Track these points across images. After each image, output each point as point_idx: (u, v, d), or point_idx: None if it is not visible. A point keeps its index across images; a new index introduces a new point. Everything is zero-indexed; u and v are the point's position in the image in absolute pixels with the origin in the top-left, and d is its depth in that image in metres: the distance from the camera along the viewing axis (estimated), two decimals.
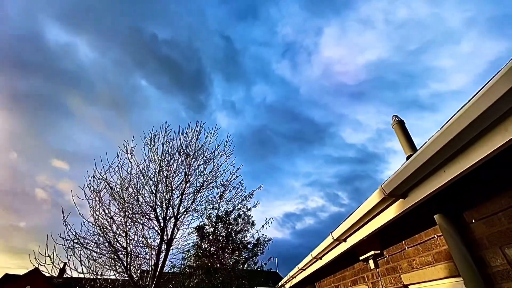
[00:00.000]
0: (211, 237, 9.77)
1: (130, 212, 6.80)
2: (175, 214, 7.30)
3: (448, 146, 1.59)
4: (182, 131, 8.28)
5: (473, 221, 2.03)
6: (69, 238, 5.94)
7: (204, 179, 8.17)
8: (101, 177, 6.80)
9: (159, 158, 7.64)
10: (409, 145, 3.84)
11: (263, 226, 10.49)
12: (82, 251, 5.94)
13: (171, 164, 7.71)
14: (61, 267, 5.72)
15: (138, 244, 6.78)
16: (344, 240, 3.66)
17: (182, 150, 8.00)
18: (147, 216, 6.98)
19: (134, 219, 6.78)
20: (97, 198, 6.54)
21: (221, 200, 9.36)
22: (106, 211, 6.50)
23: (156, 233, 7.00)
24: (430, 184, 1.93)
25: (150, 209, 7.04)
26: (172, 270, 9.64)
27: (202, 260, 9.34)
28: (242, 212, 10.39)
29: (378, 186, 2.42)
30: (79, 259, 5.83)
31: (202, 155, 8.27)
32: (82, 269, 5.83)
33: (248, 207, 10.27)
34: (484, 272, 1.92)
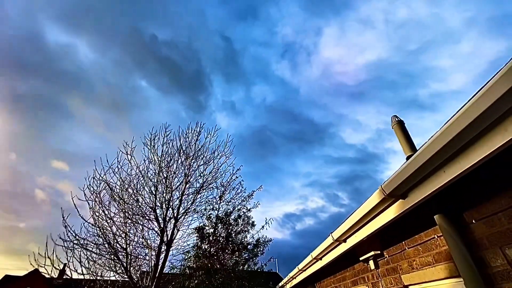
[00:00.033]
0: (211, 238, 9.76)
1: (130, 213, 6.80)
2: (175, 215, 7.29)
3: (448, 146, 1.59)
4: (182, 131, 8.27)
5: (473, 221, 2.03)
6: (69, 239, 5.93)
7: (204, 179, 8.17)
8: (101, 178, 6.80)
9: (159, 159, 7.64)
10: (408, 145, 3.84)
11: (263, 226, 10.49)
12: (82, 252, 5.93)
13: (171, 165, 7.71)
14: (61, 268, 5.71)
15: (138, 245, 6.78)
16: (344, 241, 3.65)
17: (182, 151, 7.99)
18: (147, 217, 6.97)
19: (134, 220, 6.77)
20: (97, 199, 6.53)
21: (221, 201, 9.34)
22: (106, 212, 6.49)
23: (156, 234, 6.99)
24: (430, 185, 1.92)
25: (150, 210, 7.04)
26: (172, 271, 9.63)
27: (202, 261, 9.33)
28: (242, 213, 10.38)
29: (378, 187, 2.41)
30: (79, 260, 5.82)
31: (202, 156, 8.26)
32: (82, 270, 5.82)
33: (248, 208, 10.26)
34: (484, 273, 1.91)
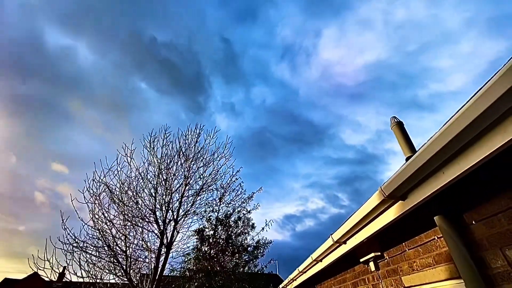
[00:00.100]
0: (211, 240, 9.74)
1: (129, 215, 6.78)
2: (175, 217, 7.28)
3: (447, 147, 1.58)
4: (181, 133, 8.27)
5: (473, 222, 2.02)
6: (68, 242, 5.92)
7: (204, 181, 8.16)
8: (100, 180, 6.79)
9: (159, 160, 7.64)
10: (408, 146, 3.84)
11: (263, 228, 10.46)
12: (81, 255, 5.92)
13: (170, 166, 7.71)
14: (60, 271, 5.69)
15: (137, 247, 6.76)
16: (344, 242, 3.64)
17: (181, 153, 7.99)
18: (147, 219, 6.96)
19: (133, 222, 6.76)
20: (96, 202, 6.52)
21: (221, 203, 9.32)
22: (106, 215, 6.48)
23: (156, 236, 6.97)
24: (429, 186, 1.92)
25: (150, 212, 7.02)
26: (172, 273, 9.61)
27: (202, 263, 9.30)
28: (242, 215, 10.37)
29: (377, 188, 2.41)
30: (78, 263, 5.81)
31: (202, 158, 8.26)
32: (81, 273, 5.80)
33: (248, 210, 10.25)
34: (484, 274, 1.91)
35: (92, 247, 6.14)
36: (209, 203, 8.86)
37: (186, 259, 9.78)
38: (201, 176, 8.14)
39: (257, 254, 10.54)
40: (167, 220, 7.09)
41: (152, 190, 7.22)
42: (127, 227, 6.68)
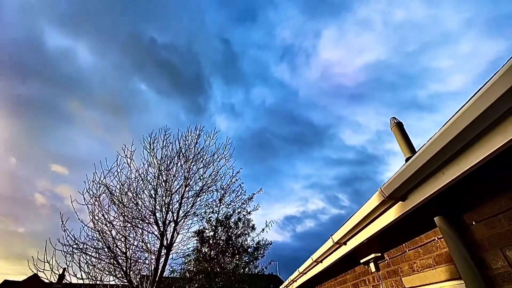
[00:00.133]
0: (211, 241, 9.73)
1: (129, 216, 6.78)
2: (175, 218, 7.28)
3: (447, 148, 1.58)
4: (181, 134, 8.29)
5: (473, 223, 2.02)
6: (68, 244, 5.92)
7: (204, 182, 8.17)
8: (100, 182, 6.80)
9: (158, 162, 7.65)
10: (408, 147, 3.84)
11: (263, 229, 10.47)
12: (81, 257, 5.92)
13: (170, 168, 7.71)
14: (60, 273, 5.69)
15: (137, 249, 6.76)
16: (345, 243, 3.64)
17: (181, 154, 8.00)
18: (147, 221, 6.96)
19: (133, 223, 6.76)
20: (96, 203, 6.53)
21: (221, 204, 9.34)
22: (106, 216, 6.49)
23: (156, 238, 6.98)
24: (429, 186, 1.92)
25: (150, 213, 7.03)
26: (172, 275, 9.61)
27: (202, 264, 9.29)
28: (242, 216, 10.38)
29: (377, 188, 2.41)
30: (78, 264, 5.81)
31: (202, 159, 8.28)
32: (81, 275, 5.80)
33: (248, 211, 10.26)
34: (485, 274, 1.90)
35: (92, 249, 6.14)
36: (209, 204, 8.88)
37: (186, 261, 9.80)
38: (201, 177, 8.16)
39: (257, 255, 10.55)
40: (167, 222, 7.09)
41: (152, 192, 7.22)
42: (127, 229, 6.68)
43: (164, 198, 7.31)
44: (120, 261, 6.15)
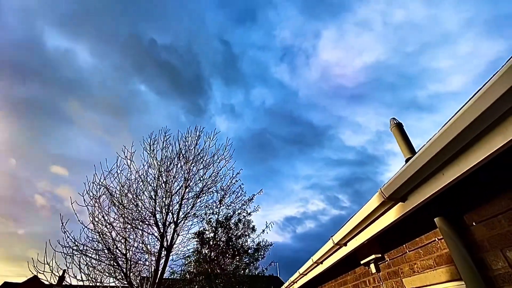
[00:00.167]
0: (211, 243, 9.72)
1: (129, 218, 6.78)
2: (175, 219, 7.27)
3: (446, 149, 1.58)
4: (181, 136, 8.29)
5: (474, 223, 2.01)
6: (68, 245, 5.92)
7: (204, 183, 8.17)
8: (100, 183, 6.79)
9: (158, 163, 7.65)
10: (407, 147, 3.83)
11: (263, 230, 10.47)
12: (81, 258, 5.92)
13: (170, 169, 7.71)
14: (60, 274, 5.68)
15: (137, 250, 6.76)
16: (345, 244, 3.63)
17: (181, 155, 8.00)
18: (147, 222, 6.96)
19: (133, 225, 6.75)
20: (96, 204, 6.52)
21: (221, 205, 9.33)
22: (106, 217, 6.49)
23: (156, 239, 6.97)
24: (429, 187, 1.91)
25: (150, 214, 7.02)
26: (172, 276, 9.59)
27: (203, 265, 9.28)
28: (242, 217, 10.37)
29: (378, 189, 2.40)
30: (78, 266, 5.81)
31: (202, 160, 8.27)
32: (81, 277, 5.80)
33: (248, 212, 10.25)
34: (485, 275, 1.90)
35: (92, 250, 6.14)
36: (209, 205, 8.89)
37: (186, 262, 9.79)
38: (201, 178, 8.15)
39: (258, 257, 10.54)
40: (167, 223, 7.08)
41: (152, 193, 7.22)
42: (127, 230, 6.67)
43: (164, 199, 7.31)
44: (120, 262, 6.14)
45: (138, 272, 6.65)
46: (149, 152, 7.72)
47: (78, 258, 5.88)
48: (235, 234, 10.16)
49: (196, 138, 8.40)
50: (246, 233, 10.50)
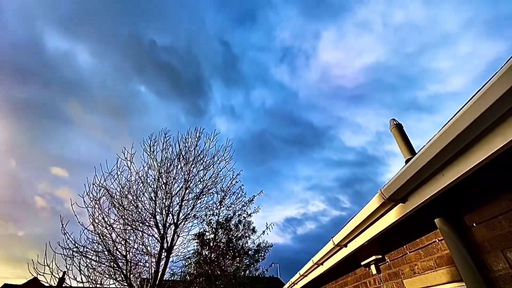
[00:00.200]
0: (211, 244, 9.70)
1: (129, 219, 6.77)
2: (175, 221, 7.26)
3: (446, 150, 1.58)
4: (181, 137, 8.29)
5: (474, 224, 2.01)
6: (68, 247, 5.91)
7: (204, 185, 8.17)
8: (100, 185, 6.79)
9: (159, 164, 7.64)
10: (407, 148, 3.83)
11: (263, 231, 10.45)
12: (81, 260, 5.91)
13: (170, 170, 7.71)
14: (60, 276, 5.67)
15: (138, 252, 6.75)
16: (345, 246, 3.62)
17: (181, 156, 8.00)
18: (147, 223, 6.95)
19: (133, 226, 6.75)
20: (96, 206, 6.52)
21: (221, 206, 9.32)
22: (106, 219, 6.49)
23: (156, 241, 6.96)
24: (429, 188, 1.91)
25: (150, 216, 7.02)
26: (172, 278, 9.58)
27: (203, 267, 9.26)
28: (242, 218, 10.35)
29: (378, 190, 2.40)
30: (78, 268, 5.80)
31: (202, 161, 8.27)
32: (81, 278, 5.80)
33: (249, 213, 10.22)
34: (486, 276, 1.89)
35: (92, 252, 6.13)
36: (209, 206, 8.87)
37: (186, 263, 9.77)
38: (201, 180, 8.15)
39: (258, 258, 10.53)
40: (167, 224, 7.08)
41: (152, 194, 7.22)
42: (127, 232, 6.67)
43: (164, 200, 7.31)
44: (120, 264, 6.14)
45: (138, 274, 6.64)
46: (149, 154, 7.73)
47: (78, 259, 5.88)
48: (235, 235, 10.14)
49: (196, 139, 8.41)
50: (246, 234, 10.48)
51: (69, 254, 5.84)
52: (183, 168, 7.91)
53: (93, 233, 6.30)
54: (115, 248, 6.27)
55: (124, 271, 6.06)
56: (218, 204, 9.18)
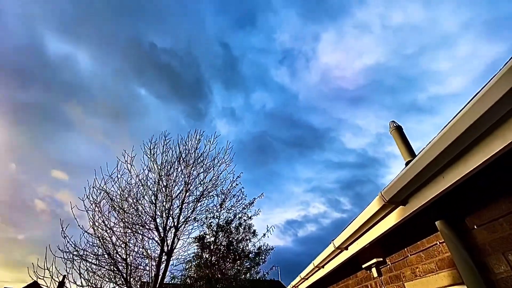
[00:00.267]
0: (212, 247, 9.67)
1: (129, 222, 6.76)
2: (175, 224, 7.25)
3: (446, 152, 1.58)
4: (181, 139, 8.29)
5: (475, 227, 2.00)
6: (68, 251, 5.89)
7: (204, 187, 8.15)
8: (100, 188, 6.78)
9: (159, 167, 7.64)
10: (407, 150, 3.83)
11: (264, 234, 10.40)
12: (81, 264, 5.89)
13: (170, 173, 7.70)
14: (60, 280, 5.65)
15: (138, 255, 6.73)
16: (346, 248, 3.61)
17: (181, 159, 7.99)
18: (147, 227, 6.93)
19: (134, 229, 6.73)
20: (96, 209, 6.51)
21: (222, 209, 9.29)
22: (106, 222, 6.47)
23: (156, 244, 6.94)
24: (430, 191, 1.90)
25: (150, 219, 7.00)
26: (172, 281, 9.53)
27: (203, 270, 9.23)
28: (243, 221, 10.31)
29: (378, 192, 2.39)
30: (78, 271, 5.78)
31: (202, 163, 8.26)
32: (81, 282, 5.77)
33: (249, 216, 10.19)
34: (487, 279, 1.88)
35: (92, 255, 6.11)
36: (209, 209, 8.83)
37: (187, 267, 9.73)
38: (202, 182, 8.14)
39: (259, 261, 10.48)
40: (167, 227, 7.06)
41: (152, 197, 7.21)
42: (128, 235, 6.65)
43: (164, 203, 7.29)
44: (120, 267, 6.12)
45: (138, 277, 6.62)
46: (149, 156, 7.73)
47: (78, 263, 5.85)
48: (236, 238, 10.10)
49: (197, 141, 8.40)
50: (247, 237, 10.43)
51: (69, 257, 5.82)
52: (183, 170, 7.90)
53: (93, 237, 6.29)
54: (115, 251, 6.25)
55: (124, 275, 6.04)
56: (219, 206, 9.15)
